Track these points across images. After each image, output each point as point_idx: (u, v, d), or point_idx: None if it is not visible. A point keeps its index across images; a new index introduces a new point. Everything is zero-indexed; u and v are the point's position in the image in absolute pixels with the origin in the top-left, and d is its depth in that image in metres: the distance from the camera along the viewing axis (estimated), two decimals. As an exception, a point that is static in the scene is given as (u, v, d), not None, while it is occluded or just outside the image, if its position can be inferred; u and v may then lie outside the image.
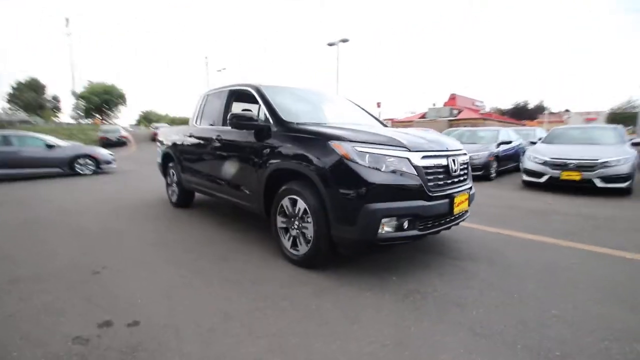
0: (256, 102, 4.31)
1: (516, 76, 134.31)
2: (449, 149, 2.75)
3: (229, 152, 3.54)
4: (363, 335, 1.82)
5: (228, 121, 3.22)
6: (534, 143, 7.67)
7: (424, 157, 2.46)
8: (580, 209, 4.85)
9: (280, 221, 2.89)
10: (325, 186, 2.39)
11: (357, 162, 2.32)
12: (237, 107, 4.05)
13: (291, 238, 2.80)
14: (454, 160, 2.70)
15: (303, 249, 2.68)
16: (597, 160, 5.76)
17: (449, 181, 2.64)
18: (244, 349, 1.71)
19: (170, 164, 5.13)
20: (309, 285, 2.42)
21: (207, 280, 2.53)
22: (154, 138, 26.02)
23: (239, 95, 3.87)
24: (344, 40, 20.68)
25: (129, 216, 4.54)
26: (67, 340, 1.77)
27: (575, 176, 5.89)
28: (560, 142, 7.09)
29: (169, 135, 5.20)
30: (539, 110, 50.37)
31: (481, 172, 7.70)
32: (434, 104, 37.78)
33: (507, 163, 8.82)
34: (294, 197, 2.69)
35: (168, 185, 5.29)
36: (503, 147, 8.50)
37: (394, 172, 2.35)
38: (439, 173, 2.57)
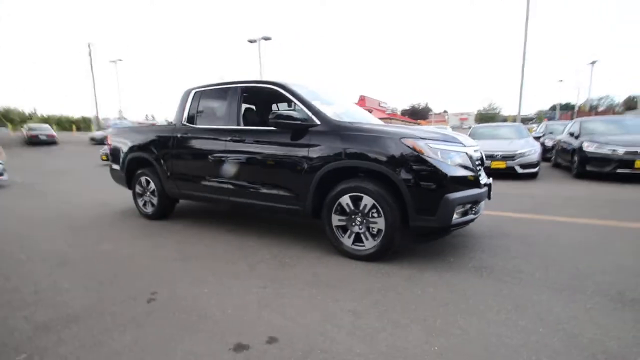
0: (276, 100, 4.18)
1: (411, 77, 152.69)
2: (476, 144, 3.23)
3: (259, 153, 3.33)
4: (485, 307, 2.08)
5: (270, 120, 3.05)
6: None
7: (474, 150, 2.86)
8: (521, 190, 6.09)
9: (337, 220, 2.92)
10: (405, 181, 2.56)
11: (433, 158, 2.56)
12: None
13: (353, 235, 2.87)
14: (481, 154, 3.19)
15: (370, 243, 2.78)
16: (517, 151, 7.23)
17: (483, 172, 3.12)
18: (408, 337, 1.77)
19: (141, 171, 4.47)
20: (393, 275, 2.56)
21: (291, 286, 2.43)
22: (31, 141, 21.26)
23: (254, 92, 3.66)
24: (266, 38, 20.46)
25: (112, 236, 3.81)
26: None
27: (501, 165, 7.29)
28: (482, 138, 8.54)
29: (137, 137, 4.51)
30: (427, 110, 58.75)
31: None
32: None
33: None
34: (358, 194, 2.77)
35: (138, 195, 4.58)
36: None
37: (459, 165, 2.67)
38: (479, 165, 3.01)
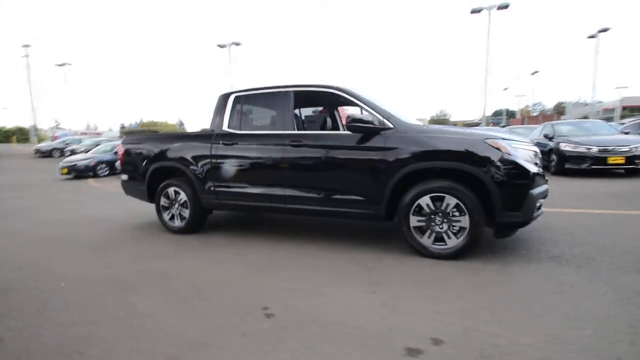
0: (335, 104, 4.14)
1: (367, 81, 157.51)
2: None
3: (328, 158, 3.27)
4: (590, 291, 2.25)
5: (346, 126, 3.03)
6: None
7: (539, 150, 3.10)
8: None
9: (415, 220, 2.97)
10: (493, 179, 2.69)
11: (516, 156, 2.73)
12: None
13: (433, 234, 2.94)
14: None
15: (453, 242, 2.87)
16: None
17: None
18: (556, 325, 1.87)
19: (168, 182, 4.16)
20: (483, 270, 2.67)
21: (399, 288, 2.42)
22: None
23: (307, 97, 3.60)
24: (237, 44, 20.01)
25: (148, 254, 3.51)
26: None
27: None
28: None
29: (165, 144, 4.20)
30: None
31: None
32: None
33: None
34: (439, 194, 2.86)
35: (164, 208, 4.23)
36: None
37: (534, 162, 2.87)
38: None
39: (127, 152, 4.55)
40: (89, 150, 16.56)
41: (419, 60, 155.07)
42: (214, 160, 3.82)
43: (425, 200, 2.92)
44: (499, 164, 2.71)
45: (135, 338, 1.94)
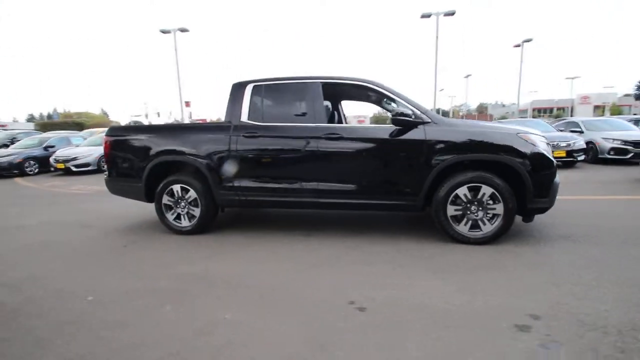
0: (364, 99, 4.09)
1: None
2: None
3: (367, 151, 3.27)
4: (608, 262, 2.65)
5: (392, 119, 3.07)
6: None
7: None
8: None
9: (452, 210, 3.15)
10: (527, 169, 2.97)
11: (543, 148, 3.05)
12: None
13: (469, 222, 3.15)
14: None
15: (487, 228, 3.11)
16: None
17: None
18: (591, 292, 2.17)
19: (173, 178, 3.76)
20: (520, 253, 2.95)
21: (458, 275, 2.56)
22: None
23: (336, 90, 3.54)
24: (183, 30, 18.49)
25: (173, 259, 3.15)
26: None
27: None
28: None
29: (171, 136, 3.78)
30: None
31: None
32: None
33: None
34: (477, 184, 3.07)
35: (167, 207, 3.81)
36: None
37: (552, 154, 3.24)
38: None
39: (115, 145, 3.98)
40: (3, 146, 13.99)
41: (372, 59, 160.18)
42: (233, 154, 3.55)
43: (462, 191, 3.10)
44: (530, 155, 3.01)
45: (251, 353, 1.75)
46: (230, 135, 3.56)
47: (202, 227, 3.79)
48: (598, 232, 3.40)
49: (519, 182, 3.03)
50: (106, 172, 4.18)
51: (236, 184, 3.60)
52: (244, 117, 3.61)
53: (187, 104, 38.63)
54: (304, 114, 3.51)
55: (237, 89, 3.70)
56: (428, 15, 16.54)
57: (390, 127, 3.24)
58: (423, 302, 2.17)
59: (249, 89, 3.66)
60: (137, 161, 3.85)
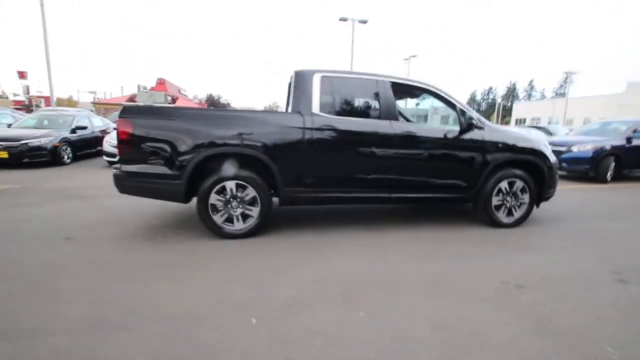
0: (421, 99, 4.28)
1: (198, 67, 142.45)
2: None
3: (440, 149, 3.59)
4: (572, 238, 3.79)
5: (468, 121, 3.49)
6: None
7: None
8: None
9: (496, 200, 3.83)
10: (546, 166, 3.87)
11: (549, 151, 4.01)
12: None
13: (506, 210, 3.89)
14: None
15: (518, 214, 3.91)
16: None
17: None
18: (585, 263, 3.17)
19: (227, 175, 3.26)
20: (542, 232, 3.84)
21: (520, 251, 3.22)
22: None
23: (399, 90, 3.70)
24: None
25: (282, 261, 2.76)
26: None
27: None
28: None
29: (226, 124, 3.21)
30: (225, 104, 59.00)
31: None
32: (144, 87, 34.03)
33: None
34: (513, 179, 3.82)
35: (214, 209, 3.26)
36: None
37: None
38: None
39: (139, 132, 3.11)
40: None
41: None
42: (306, 148, 3.32)
43: (504, 184, 3.81)
44: (548, 156, 3.93)
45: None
46: (304, 128, 3.31)
47: (257, 229, 3.39)
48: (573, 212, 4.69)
49: (540, 177, 3.92)
50: (116, 166, 3.22)
51: (307, 179, 3.38)
52: (316, 109, 3.40)
53: (22, 74, 30.26)
54: (377, 111, 3.57)
55: (304, 78, 3.46)
56: (345, 19, 17.76)
57: (455, 128, 3.66)
58: (548, 274, 2.68)
59: (317, 80, 3.46)
60: (178, 153, 3.13)
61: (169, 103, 33.78)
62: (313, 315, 2.04)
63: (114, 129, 11.02)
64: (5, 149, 7.43)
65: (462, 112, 3.68)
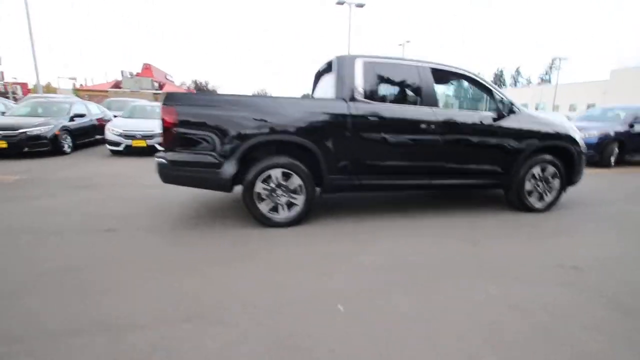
0: (459, 86, 4.26)
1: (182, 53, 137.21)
2: None
3: (478, 136, 3.61)
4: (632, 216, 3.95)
5: (508, 107, 3.53)
6: None
7: None
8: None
9: (528, 185, 3.91)
10: (576, 151, 3.96)
11: (580, 137, 4.10)
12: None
13: (538, 195, 3.97)
14: None
15: (549, 199, 4.01)
16: (155, 131, 7.74)
17: None
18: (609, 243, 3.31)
19: (276, 161, 3.20)
20: (569, 216, 3.96)
21: (553, 236, 3.33)
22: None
23: (439, 76, 3.67)
24: None
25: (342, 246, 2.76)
26: None
27: (142, 143, 7.87)
28: (137, 117, 8.89)
29: (275, 110, 3.15)
30: (213, 90, 57.48)
31: None
32: (130, 73, 32.78)
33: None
34: (545, 164, 3.89)
35: (259, 198, 3.22)
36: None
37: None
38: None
39: (186, 119, 3.01)
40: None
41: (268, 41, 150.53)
42: (352, 135, 3.29)
43: (537, 170, 3.89)
44: (577, 141, 4.02)
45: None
46: (348, 115, 3.27)
47: (301, 218, 3.38)
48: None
49: (570, 162, 4.01)
50: (161, 156, 3.11)
51: (350, 166, 3.36)
52: (359, 95, 3.36)
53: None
54: (417, 97, 3.55)
55: (345, 64, 3.40)
56: (342, 3, 17.36)
57: (490, 114, 3.68)
58: (597, 256, 2.78)
59: (359, 65, 3.40)
60: (224, 141, 3.05)
61: (156, 89, 32.82)
62: (397, 300, 2.07)
63: (114, 116, 10.74)
64: (3, 138, 7.07)
65: (500, 99, 3.71)
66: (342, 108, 3.28)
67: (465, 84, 3.96)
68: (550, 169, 3.93)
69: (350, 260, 2.63)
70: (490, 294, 2.16)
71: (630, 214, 4.05)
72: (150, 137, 7.95)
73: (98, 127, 9.72)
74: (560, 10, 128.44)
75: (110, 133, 8.04)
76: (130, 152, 7.93)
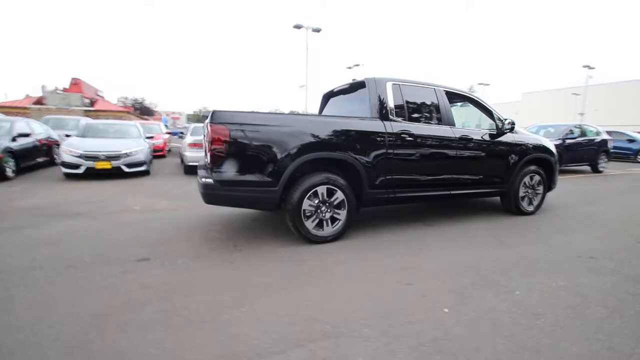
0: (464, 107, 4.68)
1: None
2: None
3: (487, 151, 4.09)
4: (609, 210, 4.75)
5: (510, 126, 4.06)
6: None
7: None
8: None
9: (522, 191, 4.51)
10: (554, 161, 4.69)
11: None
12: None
13: (528, 200, 4.59)
14: None
15: (535, 203, 4.65)
16: (121, 151, 7.35)
17: None
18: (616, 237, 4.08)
19: (324, 178, 3.26)
20: (562, 217, 4.64)
21: (546, 238, 3.92)
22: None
23: (452, 98, 4.12)
24: None
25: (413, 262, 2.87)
26: None
27: (107, 165, 7.18)
28: (92, 136, 8.14)
29: (318, 129, 3.21)
30: (151, 108, 53.60)
31: None
32: (56, 88, 29.08)
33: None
34: (533, 174, 4.55)
35: (305, 215, 3.23)
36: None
37: None
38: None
39: (237, 138, 2.92)
40: None
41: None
42: (389, 152, 3.51)
43: (527, 178, 4.52)
44: (554, 153, 4.77)
45: None
46: (385, 133, 3.49)
47: (343, 232, 3.45)
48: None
49: (549, 170, 4.74)
50: (203, 174, 2.95)
51: (387, 181, 3.56)
52: (392, 115, 3.61)
53: None
54: (438, 117, 3.93)
55: (377, 84, 3.64)
56: (299, 27, 17.98)
57: (492, 131, 4.24)
58: (604, 248, 3.32)
59: (389, 87, 3.67)
60: (275, 159, 3.03)
61: (87, 105, 29.76)
62: (488, 297, 2.26)
63: (66, 135, 9.50)
64: None
65: (499, 117, 4.29)
66: (380, 127, 3.49)
67: (470, 105, 4.49)
68: (537, 177, 4.60)
69: (416, 268, 2.77)
70: (560, 285, 2.48)
71: (598, 214, 4.87)
72: (116, 157, 7.33)
73: (42, 148, 8.56)
74: (485, 40, 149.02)
75: (66, 154, 7.13)
76: (91, 174, 7.13)
